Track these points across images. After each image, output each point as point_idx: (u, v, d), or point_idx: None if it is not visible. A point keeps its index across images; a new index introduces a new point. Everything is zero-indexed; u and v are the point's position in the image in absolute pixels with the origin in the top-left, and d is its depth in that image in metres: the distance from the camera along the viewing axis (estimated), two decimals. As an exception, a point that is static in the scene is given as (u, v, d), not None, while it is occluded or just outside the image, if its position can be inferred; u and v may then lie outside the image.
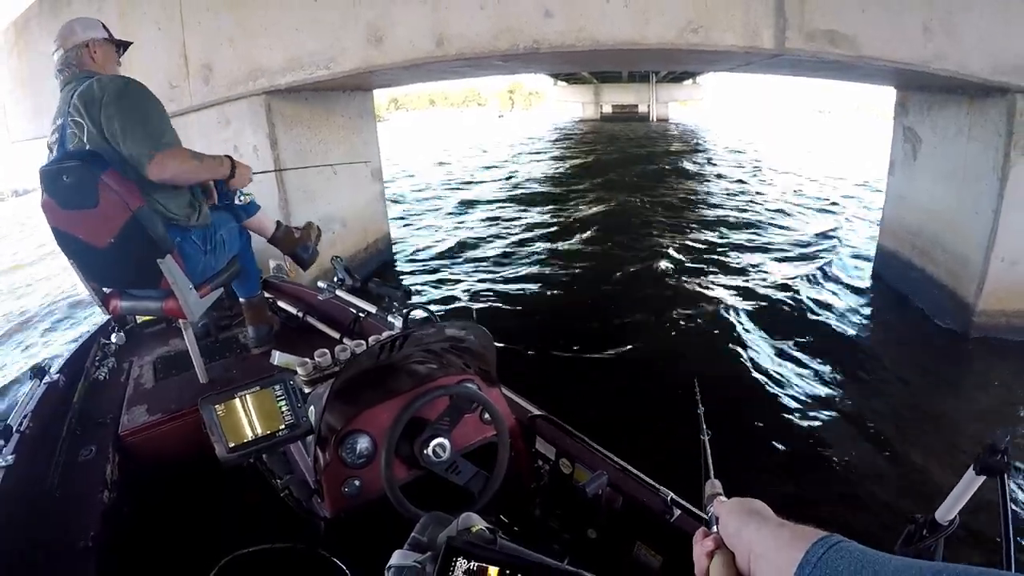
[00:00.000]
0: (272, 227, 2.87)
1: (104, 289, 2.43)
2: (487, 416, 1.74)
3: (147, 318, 3.07)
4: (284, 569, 1.51)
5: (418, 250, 8.64)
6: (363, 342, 2.00)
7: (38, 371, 2.41)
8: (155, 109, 2.19)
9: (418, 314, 2.34)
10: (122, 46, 2.44)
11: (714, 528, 0.74)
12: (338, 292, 2.88)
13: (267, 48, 5.15)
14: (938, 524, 1.18)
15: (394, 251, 8.32)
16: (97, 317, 5.08)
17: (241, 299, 2.84)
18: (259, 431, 1.47)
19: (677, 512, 1.55)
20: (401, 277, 7.46)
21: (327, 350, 1.90)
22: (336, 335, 2.78)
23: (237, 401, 1.46)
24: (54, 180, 2.03)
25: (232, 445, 1.44)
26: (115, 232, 2.05)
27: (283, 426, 1.48)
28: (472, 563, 0.82)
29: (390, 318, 2.50)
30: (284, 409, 1.49)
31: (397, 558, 1.07)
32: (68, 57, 2.24)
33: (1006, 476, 1.06)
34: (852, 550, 0.52)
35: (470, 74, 6.91)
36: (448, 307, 6.17)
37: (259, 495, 1.71)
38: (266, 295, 3.03)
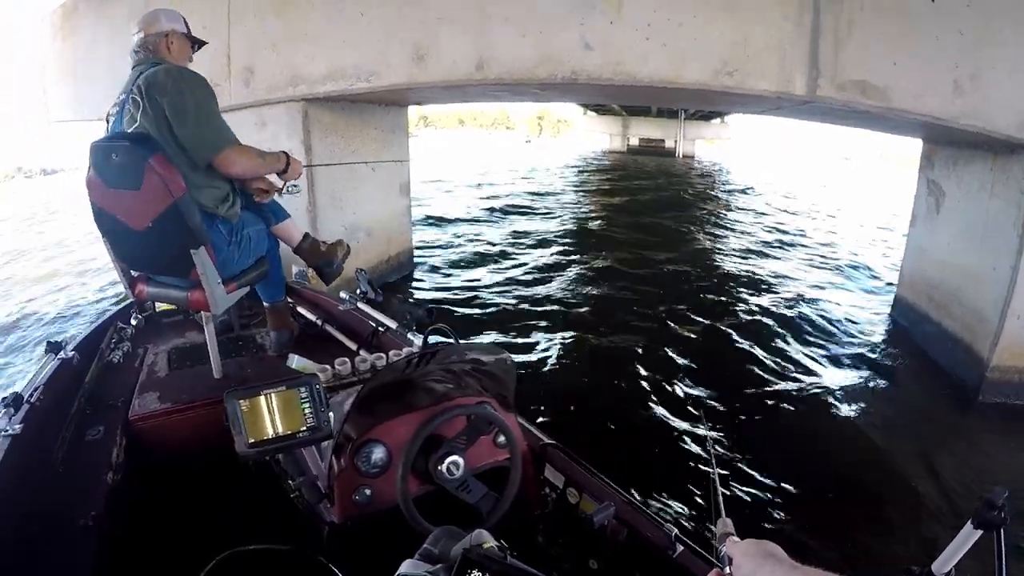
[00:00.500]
0: (299, 237, 2.91)
1: (133, 272, 2.48)
2: (501, 439, 1.77)
3: (166, 307, 3.10)
4: (281, 571, 1.53)
5: (439, 268, 8.64)
6: (383, 355, 2.03)
7: (53, 346, 2.43)
8: (218, 106, 2.30)
9: (440, 333, 2.37)
10: (197, 44, 2.54)
11: (727, 569, 0.78)
12: (359, 304, 2.90)
13: (309, 56, 5.27)
14: (934, 576, 1.19)
15: (416, 265, 8.34)
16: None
17: (265, 303, 2.86)
18: (280, 430, 1.50)
19: (680, 548, 1.55)
20: (419, 292, 7.46)
21: (348, 359, 1.94)
22: (353, 346, 2.81)
23: (262, 398, 1.49)
24: (104, 157, 2.09)
25: (252, 441, 1.47)
26: (154, 216, 2.09)
27: (304, 428, 1.52)
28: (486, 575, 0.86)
29: (410, 335, 2.53)
30: (307, 411, 1.52)
31: (408, 567, 1.10)
32: (147, 42, 2.34)
33: (1003, 531, 1.08)
34: None
35: (506, 98, 7.00)
36: (459, 328, 6.11)
37: (266, 494, 1.75)
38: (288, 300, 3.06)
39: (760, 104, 5.33)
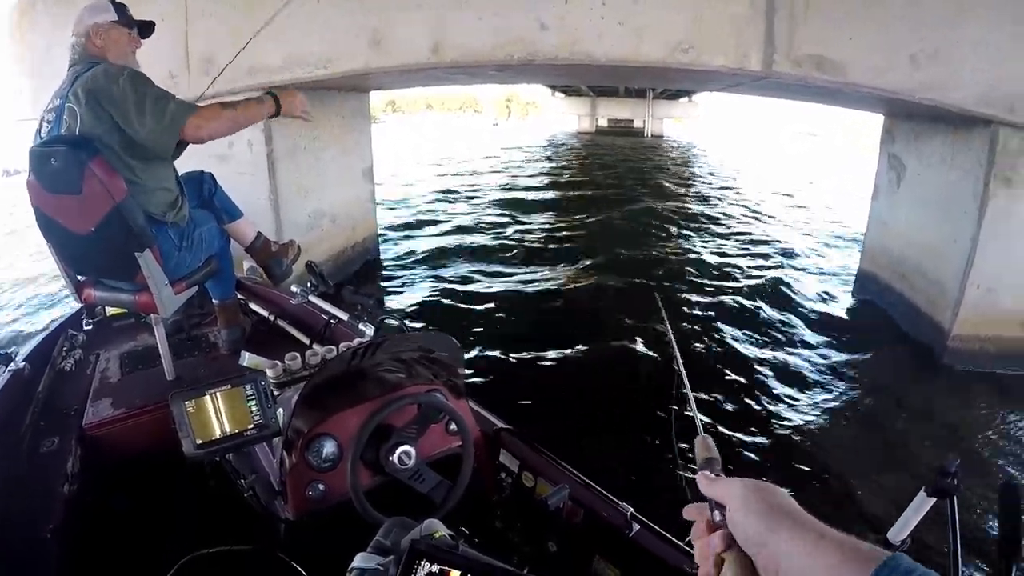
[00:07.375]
0: (252, 235, 2.84)
1: (79, 277, 2.40)
2: (453, 427, 1.76)
3: (117, 311, 3.03)
4: (244, 570, 1.51)
5: (404, 252, 8.63)
6: (333, 348, 2.00)
7: (3, 358, 2.35)
8: (163, 89, 2.15)
9: (390, 323, 2.35)
10: (140, 27, 2.33)
11: (716, 515, 0.59)
12: (311, 297, 2.85)
13: (268, 45, 5.15)
14: (890, 544, 1.20)
15: (381, 251, 8.32)
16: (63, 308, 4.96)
17: (215, 300, 2.80)
18: (228, 430, 1.46)
19: (636, 527, 1.56)
20: (385, 276, 7.49)
21: (297, 354, 1.90)
22: (306, 340, 2.77)
23: (208, 398, 1.45)
24: (41, 162, 2.02)
25: (200, 442, 1.43)
26: (96, 221, 2.03)
27: (252, 426, 1.48)
28: (435, 566, 0.83)
29: (361, 326, 2.49)
30: (254, 409, 1.48)
31: (360, 560, 1.08)
32: (75, 44, 2.21)
33: (956, 498, 1.09)
34: None
35: (465, 81, 6.94)
36: (425, 312, 6.18)
37: (222, 494, 1.71)
38: (239, 296, 3.00)
39: (718, 80, 5.36)
